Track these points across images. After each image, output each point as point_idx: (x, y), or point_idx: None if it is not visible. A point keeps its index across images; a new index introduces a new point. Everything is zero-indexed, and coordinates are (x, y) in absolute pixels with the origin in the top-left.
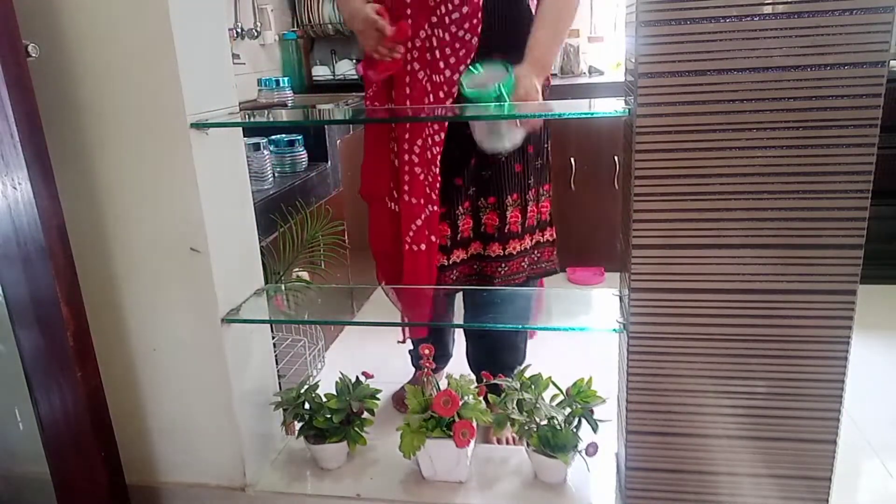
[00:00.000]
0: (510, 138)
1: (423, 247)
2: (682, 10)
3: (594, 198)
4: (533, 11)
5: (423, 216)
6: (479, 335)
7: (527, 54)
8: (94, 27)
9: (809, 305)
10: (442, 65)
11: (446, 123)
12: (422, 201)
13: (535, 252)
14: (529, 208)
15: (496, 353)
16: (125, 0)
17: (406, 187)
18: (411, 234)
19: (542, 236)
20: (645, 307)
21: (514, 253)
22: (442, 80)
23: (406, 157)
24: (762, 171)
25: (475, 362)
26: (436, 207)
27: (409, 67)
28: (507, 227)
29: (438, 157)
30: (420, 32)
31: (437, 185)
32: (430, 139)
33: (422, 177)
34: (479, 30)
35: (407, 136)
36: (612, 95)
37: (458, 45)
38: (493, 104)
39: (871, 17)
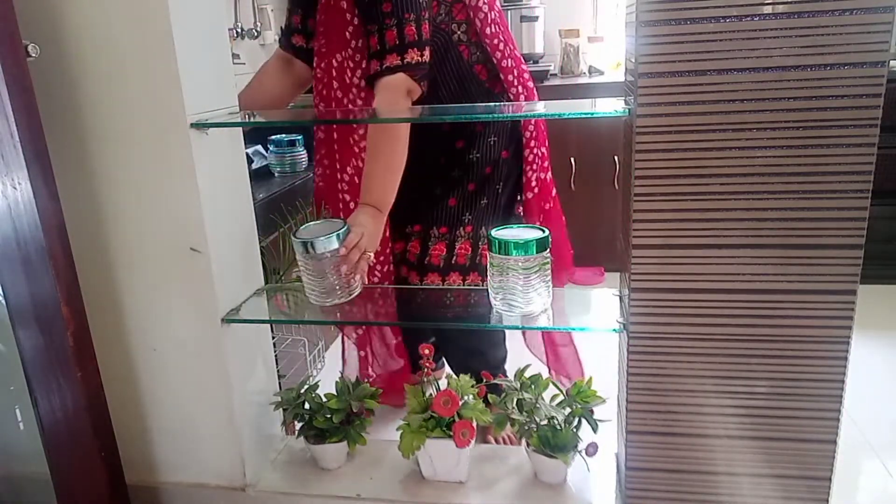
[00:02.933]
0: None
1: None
2: (682, 10)
3: (594, 198)
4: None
5: None
6: (450, 341)
7: (363, 195)
8: (94, 27)
9: (809, 305)
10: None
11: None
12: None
13: (473, 296)
14: (458, 245)
15: (474, 353)
16: (125, 0)
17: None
18: None
19: (483, 282)
20: (645, 307)
21: (433, 288)
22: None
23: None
24: (762, 171)
25: (455, 367)
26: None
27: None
28: (428, 258)
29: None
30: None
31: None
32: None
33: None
34: None
35: (337, 165)
36: (612, 95)
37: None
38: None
39: (871, 17)
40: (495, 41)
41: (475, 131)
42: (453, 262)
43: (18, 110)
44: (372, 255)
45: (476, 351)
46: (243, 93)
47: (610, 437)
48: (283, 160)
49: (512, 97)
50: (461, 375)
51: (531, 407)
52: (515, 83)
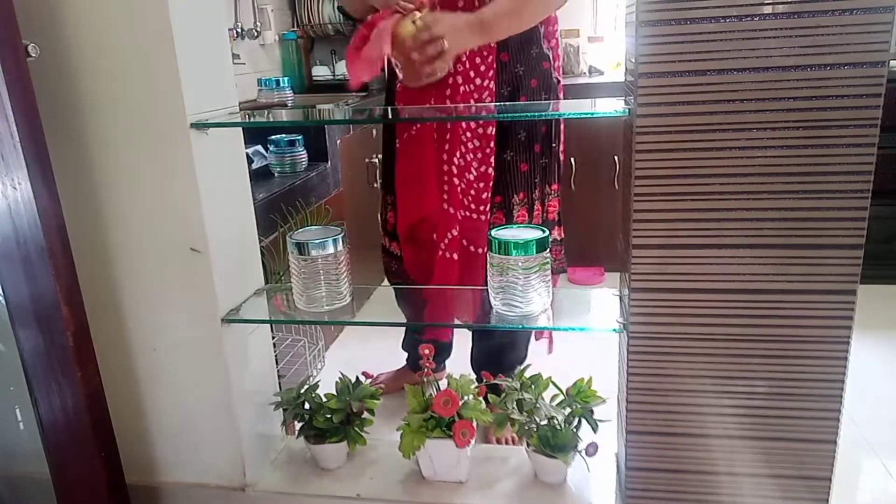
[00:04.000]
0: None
1: (455, 256)
2: (682, 10)
3: (594, 198)
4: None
5: (457, 227)
6: (483, 334)
7: (478, 12)
8: (94, 27)
9: (809, 305)
10: (472, 73)
11: (485, 130)
12: (459, 212)
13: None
14: (535, 207)
15: (498, 353)
16: (125, 0)
17: (445, 196)
18: (446, 241)
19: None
20: (645, 307)
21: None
22: (473, 88)
23: (445, 167)
24: (762, 171)
25: (477, 361)
26: (471, 214)
27: (451, 80)
28: None
29: (473, 165)
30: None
31: (472, 192)
32: (464, 146)
33: (458, 187)
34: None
35: (447, 146)
36: (612, 95)
37: (485, 53)
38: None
39: (871, 17)
40: None
41: (531, 87)
42: (533, 223)
43: (18, 110)
44: (446, 44)
45: (503, 347)
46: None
47: (610, 437)
48: (283, 160)
49: (552, 58)
50: (462, 375)
51: (531, 407)
52: (554, 45)
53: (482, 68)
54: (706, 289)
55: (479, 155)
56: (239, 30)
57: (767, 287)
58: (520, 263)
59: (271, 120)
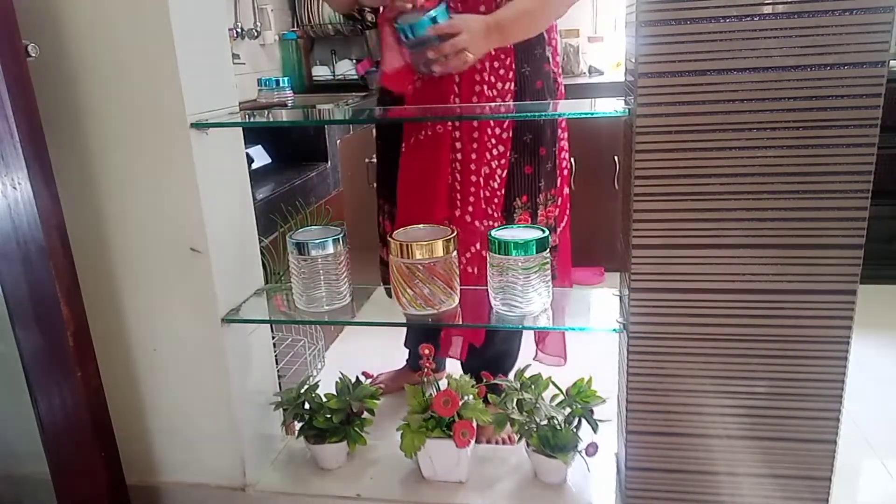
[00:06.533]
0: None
1: (476, 270)
2: (682, 10)
3: (594, 198)
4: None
5: (479, 240)
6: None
7: (495, 13)
8: (94, 27)
9: (809, 305)
10: (492, 78)
11: (507, 134)
12: (482, 224)
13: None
14: (539, 212)
15: (495, 361)
16: (125, 0)
17: (470, 208)
18: (467, 256)
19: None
20: (645, 307)
21: None
22: (495, 93)
23: (473, 177)
24: (762, 171)
25: (470, 367)
26: (492, 223)
27: (475, 84)
28: None
29: (497, 172)
30: None
31: (496, 200)
32: (489, 153)
33: (483, 196)
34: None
35: (473, 154)
36: (612, 95)
37: (502, 56)
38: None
39: (871, 17)
40: None
41: (535, 89)
42: None
43: (18, 110)
44: (470, 56)
45: (500, 355)
46: None
47: (610, 437)
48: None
49: (553, 60)
50: (461, 375)
51: (531, 407)
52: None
53: (501, 72)
54: (706, 289)
55: (503, 161)
56: (239, 30)
57: (767, 287)
58: (519, 263)
59: (271, 120)
